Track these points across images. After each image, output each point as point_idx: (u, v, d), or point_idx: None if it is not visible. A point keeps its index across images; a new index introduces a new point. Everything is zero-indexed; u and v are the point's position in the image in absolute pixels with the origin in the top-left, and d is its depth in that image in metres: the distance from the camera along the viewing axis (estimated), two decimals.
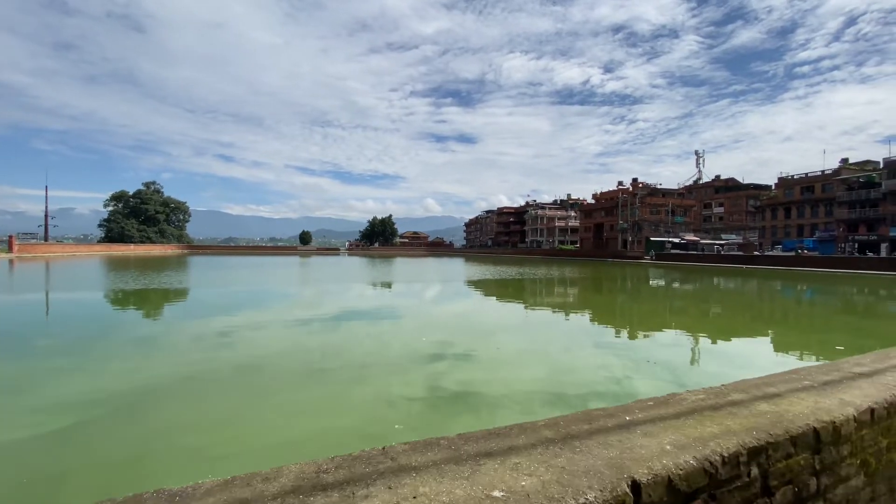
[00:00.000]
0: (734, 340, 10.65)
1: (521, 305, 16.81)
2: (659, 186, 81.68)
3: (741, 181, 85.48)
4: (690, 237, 69.32)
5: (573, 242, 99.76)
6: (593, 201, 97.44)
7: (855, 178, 54.97)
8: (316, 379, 6.61)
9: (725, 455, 1.45)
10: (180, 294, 19.28)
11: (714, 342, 10.16)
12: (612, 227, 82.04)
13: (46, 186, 74.53)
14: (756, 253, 56.63)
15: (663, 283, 30.38)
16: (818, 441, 1.72)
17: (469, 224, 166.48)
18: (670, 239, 67.67)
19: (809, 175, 62.81)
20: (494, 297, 19.75)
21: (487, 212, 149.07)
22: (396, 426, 4.89)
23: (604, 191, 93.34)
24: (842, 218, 55.19)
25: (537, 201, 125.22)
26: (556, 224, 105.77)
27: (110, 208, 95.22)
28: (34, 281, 24.81)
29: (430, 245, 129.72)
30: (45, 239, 74.21)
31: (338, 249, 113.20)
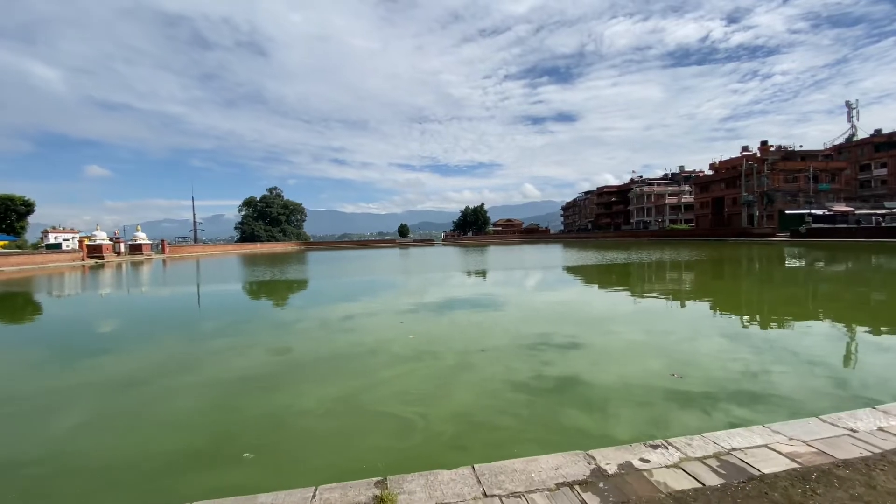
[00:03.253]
0: None
1: (630, 293, 15.72)
2: (797, 149, 69.51)
3: None
4: (840, 207, 57.70)
5: (687, 221, 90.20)
6: (711, 172, 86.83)
7: None
8: (421, 364, 6.95)
9: None
10: (302, 285, 21.76)
11: (877, 335, 8.44)
12: (735, 200, 72.14)
13: (192, 197, 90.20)
14: None
15: (802, 263, 25.98)
16: None
17: (566, 208, 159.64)
18: (811, 211, 57.11)
19: None
20: (597, 285, 18.76)
21: (586, 193, 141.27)
22: (501, 415, 4.94)
23: (723, 159, 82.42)
24: None
25: (643, 177, 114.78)
26: (667, 201, 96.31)
27: (243, 213, 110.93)
28: (187, 275, 29.86)
29: (524, 232, 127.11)
30: (195, 241, 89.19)
31: (433, 241, 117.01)
